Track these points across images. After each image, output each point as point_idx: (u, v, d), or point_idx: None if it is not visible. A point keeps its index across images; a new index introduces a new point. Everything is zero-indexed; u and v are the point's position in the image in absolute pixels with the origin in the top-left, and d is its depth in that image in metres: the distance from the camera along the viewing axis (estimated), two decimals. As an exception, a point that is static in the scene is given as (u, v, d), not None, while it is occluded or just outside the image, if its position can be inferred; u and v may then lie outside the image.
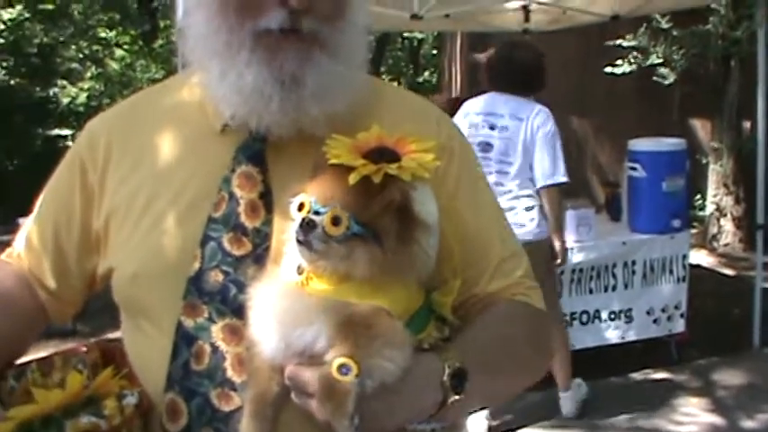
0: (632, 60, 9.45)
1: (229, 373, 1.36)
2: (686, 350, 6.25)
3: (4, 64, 14.49)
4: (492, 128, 4.92)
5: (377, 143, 1.30)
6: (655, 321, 5.99)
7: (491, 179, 4.63)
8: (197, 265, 1.40)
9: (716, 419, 5.36)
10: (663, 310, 6.00)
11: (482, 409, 5.03)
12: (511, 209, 4.81)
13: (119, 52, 18.84)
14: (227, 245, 1.40)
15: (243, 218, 1.41)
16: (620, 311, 5.88)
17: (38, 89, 14.95)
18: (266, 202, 1.41)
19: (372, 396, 1.20)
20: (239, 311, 1.35)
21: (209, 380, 1.37)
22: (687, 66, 9.39)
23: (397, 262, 1.23)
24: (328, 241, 1.22)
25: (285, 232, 1.32)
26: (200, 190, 1.44)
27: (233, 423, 1.34)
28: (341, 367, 1.18)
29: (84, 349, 1.50)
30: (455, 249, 1.38)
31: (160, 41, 18.63)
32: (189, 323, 1.39)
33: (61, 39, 16.09)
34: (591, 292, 5.72)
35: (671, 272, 5.99)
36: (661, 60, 9.44)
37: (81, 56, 17.55)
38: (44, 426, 1.28)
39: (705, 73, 9.58)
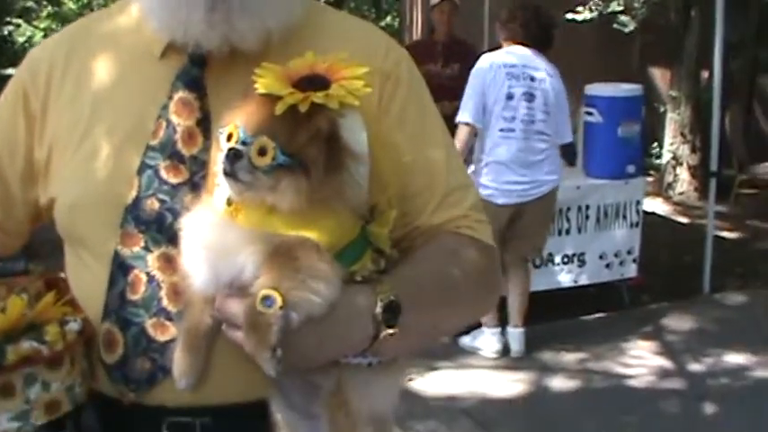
0: (593, 8, 9.44)
1: (165, 302, 1.35)
2: (638, 295, 6.37)
3: (-43, 1, 14.16)
4: (533, 79, 5.15)
5: (309, 71, 1.27)
6: (607, 266, 6.08)
7: (536, 127, 5.05)
8: (134, 194, 1.38)
9: (664, 362, 5.47)
10: (615, 255, 6.08)
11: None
12: (550, 159, 5.23)
13: (75, -10, 18.48)
14: (163, 173, 1.38)
15: (180, 145, 1.38)
16: (573, 255, 5.96)
17: (-8, 27, 14.63)
18: (204, 129, 1.39)
19: (298, 329, 1.19)
20: (175, 240, 1.33)
21: (144, 309, 1.36)
22: (648, 14, 9.40)
23: (325, 192, 1.21)
24: (254, 172, 1.20)
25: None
26: (138, 117, 1.41)
27: (169, 353, 1.34)
28: (264, 299, 1.16)
29: (27, 280, 1.48)
30: (391, 180, 1.34)
31: (118, -20, 18.27)
32: (125, 252, 1.38)
33: (16, -25, 15.73)
34: (544, 235, 5.73)
35: (624, 217, 6.07)
36: (622, 8, 9.44)
37: (37, -6, 17.19)
38: None
39: (665, 22, 9.60)
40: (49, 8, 17.42)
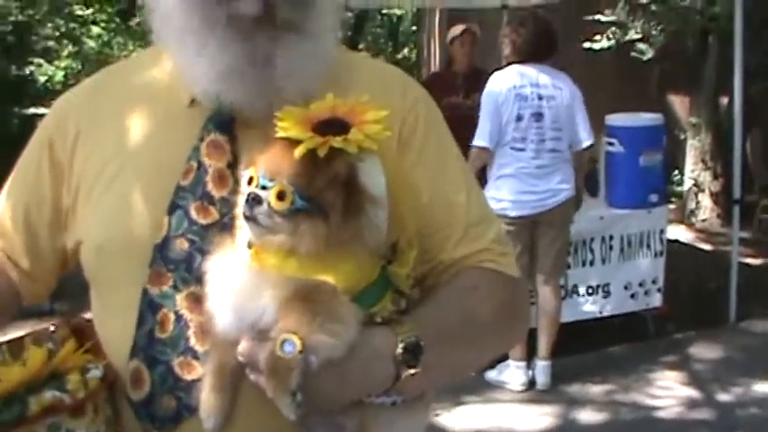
0: (611, 36, 9.44)
1: (192, 341, 1.36)
2: (663, 324, 6.29)
3: (-22, 43, 14.31)
4: (540, 98, 5.15)
5: (329, 114, 1.28)
6: (632, 296, 6.02)
7: (547, 146, 5.04)
8: (163, 233, 1.40)
9: (692, 392, 5.40)
10: (640, 285, 6.03)
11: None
12: (561, 170, 5.22)
13: (95, 30, 18.61)
14: (193, 213, 1.39)
15: (210, 186, 1.40)
16: (598, 286, 5.91)
17: (13, 68, 14.76)
18: (234, 171, 1.40)
19: (319, 372, 1.20)
20: (203, 280, 1.33)
21: (172, 348, 1.37)
22: (665, 41, 9.38)
23: (343, 236, 1.22)
24: (273, 216, 1.21)
25: None
26: (168, 160, 1.43)
27: (195, 392, 1.35)
28: (284, 343, 1.17)
29: (53, 328, 1.48)
30: (411, 219, 1.36)
31: (137, 19, 18.42)
32: (154, 291, 1.39)
33: (37, 16, 15.88)
34: (569, 266, 5.71)
35: (648, 246, 6.03)
36: (639, 36, 9.43)
37: (57, 34, 17.31)
38: (7, 403, 1.27)
39: (683, 49, 9.59)
40: (70, 47, 17.57)
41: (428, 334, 1.29)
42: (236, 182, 1.38)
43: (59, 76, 16.23)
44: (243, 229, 1.28)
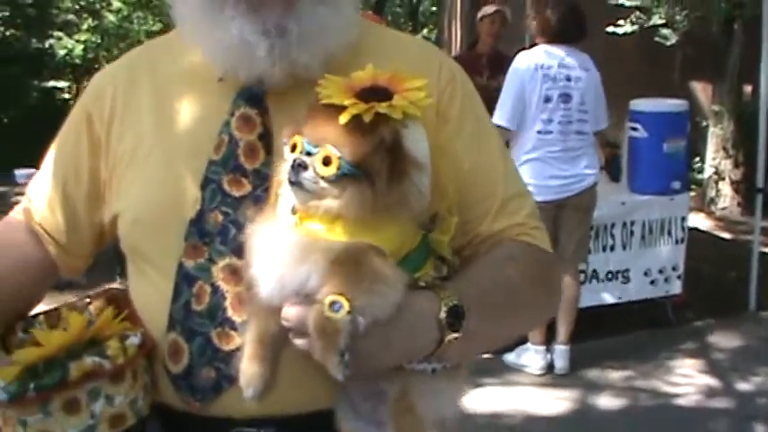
0: (634, 20, 9.38)
1: (229, 312, 1.38)
2: (682, 312, 6.27)
3: (0, 15, 14.35)
4: (569, 79, 5.12)
5: (371, 82, 1.29)
6: (652, 282, 6.00)
7: (574, 128, 5.01)
8: (198, 207, 1.42)
9: (711, 381, 5.38)
10: (660, 272, 6.00)
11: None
12: (587, 154, 5.22)
13: (115, 4, 18.70)
14: (226, 186, 1.42)
15: (242, 159, 1.42)
16: (618, 272, 5.88)
17: (34, 41, 14.83)
18: (266, 143, 1.43)
19: (365, 334, 1.21)
20: (239, 251, 1.36)
21: (209, 320, 1.39)
22: (690, 27, 9.32)
23: (388, 201, 1.23)
24: (319, 182, 1.22)
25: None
26: (201, 135, 1.45)
27: (234, 362, 1.37)
28: (332, 304, 1.18)
29: (88, 300, 1.52)
30: (451, 189, 1.37)
31: (157, -6, 18.44)
32: (189, 264, 1.41)
33: (58, -10, 15.93)
34: (589, 251, 5.68)
35: (669, 233, 5.99)
36: (663, 21, 9.37)
37: (77, 7, 17.40)
38: (48, 368, 1.30)
39: (708, 35, 9.52)
40: (90, 21, 17.63)
41: (468, 299, 1.31)
42: (268, 153, 1.42)
43: (79, 49, 16.31)
44: (285, 196, 1.29)
